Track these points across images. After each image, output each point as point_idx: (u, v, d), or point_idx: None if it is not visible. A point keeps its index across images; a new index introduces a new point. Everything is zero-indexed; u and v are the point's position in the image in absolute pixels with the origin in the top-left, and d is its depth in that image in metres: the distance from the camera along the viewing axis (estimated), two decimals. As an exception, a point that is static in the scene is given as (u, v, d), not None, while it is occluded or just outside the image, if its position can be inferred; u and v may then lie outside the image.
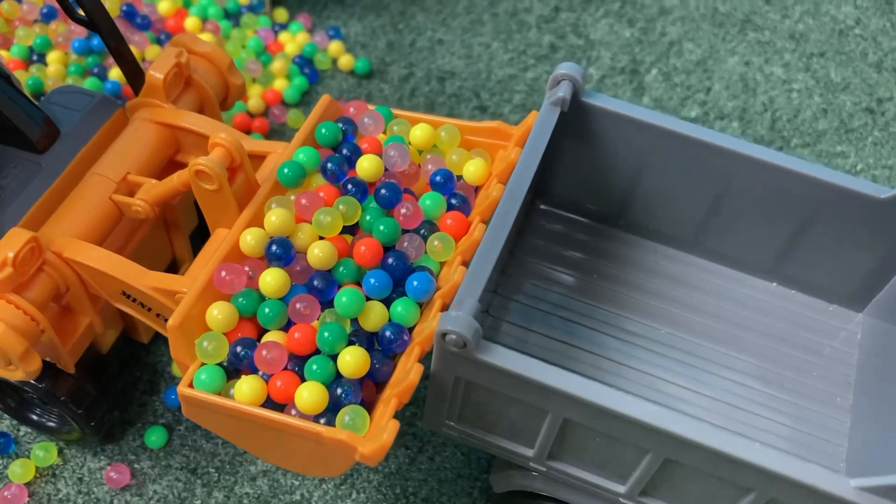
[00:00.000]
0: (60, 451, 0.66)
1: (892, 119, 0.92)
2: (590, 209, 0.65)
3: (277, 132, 0.87)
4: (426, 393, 0.58)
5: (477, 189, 0.58)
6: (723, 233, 0.62)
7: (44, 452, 0.65)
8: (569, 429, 0.49)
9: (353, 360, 0.47)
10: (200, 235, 0.68)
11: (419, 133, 0.57)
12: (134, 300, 0.56)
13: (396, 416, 0.62)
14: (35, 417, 0.66)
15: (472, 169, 0.57)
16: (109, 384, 0.64)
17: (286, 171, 0.53)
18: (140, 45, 0.87)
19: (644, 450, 0.47)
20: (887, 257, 0.58)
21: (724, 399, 0.59)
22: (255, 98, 0.87)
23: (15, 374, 0.55)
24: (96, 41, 0.86)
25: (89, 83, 0.83)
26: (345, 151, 0.56)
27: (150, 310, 0.56)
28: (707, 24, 1.00)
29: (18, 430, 0.67)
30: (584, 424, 0.47)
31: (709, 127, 0.86)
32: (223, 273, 0.50)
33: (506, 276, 0.62)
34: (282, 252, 0.50)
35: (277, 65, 0.89)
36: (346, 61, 0.91)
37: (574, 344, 0.59)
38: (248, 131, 0.85)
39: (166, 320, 0.53)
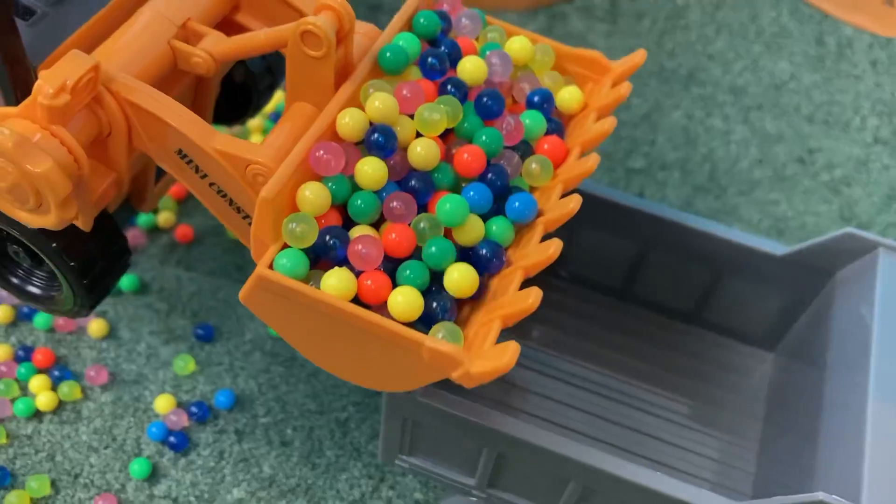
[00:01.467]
0: (53, 483, 0.72)
1: (822, 168, 1.00)
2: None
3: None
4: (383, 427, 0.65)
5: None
6: (648, 282, 0.69)
7: (38, 484, 0.71)
8: (503, 460, 0.56)
9: (461, 279, 0.44)
10: None
11: (517, 46, 0.53)
12: (189, 161, 0.50)
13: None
14: (17, 282, 0.60)
15: (566, 96, 0.54)
16: (109, 249, 0.58)
17: (388, 55, 0.49)
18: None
19: (566, 479, 0.54)
20: (790, 304, 0.66)
21: (652, 433, 0.66)
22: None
23: (42, 220, 0.49)
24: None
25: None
26: (443, 48, 0.51)
27: (204, 176, 0.50)
28: (654, 80, 1.08)
29: (14, 462, 0.73)
30: (514, 457, 0.54)
31: (651, 177, 0.94)
32: (321, 152, 0.45)
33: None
34: (384, 141, 0.46)
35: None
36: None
37: (516, 384, 0.67)
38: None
39: (220, 192, 0.50)
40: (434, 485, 0.74)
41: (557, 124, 0.53)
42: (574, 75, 0.56)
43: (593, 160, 0.49)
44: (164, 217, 0.89)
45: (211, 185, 0.50)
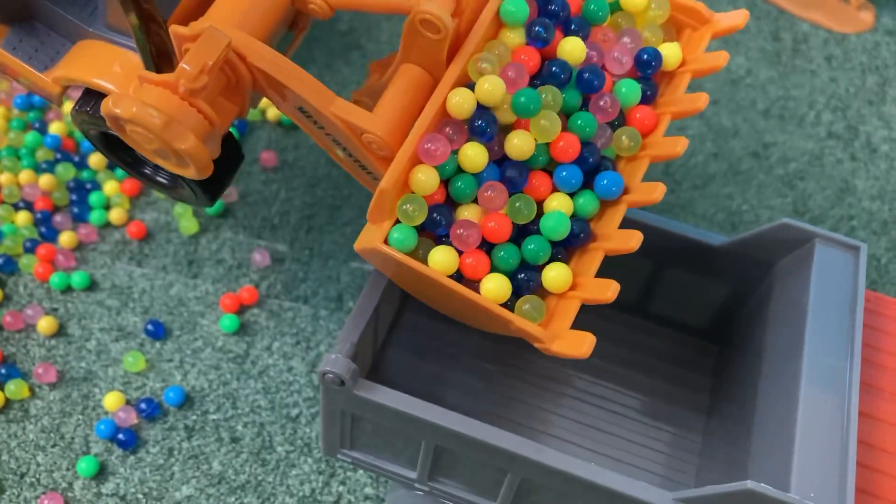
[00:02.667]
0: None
1: (776, 163, 1.01)
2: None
3: (208, 180, 0.94)
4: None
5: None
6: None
7: (-18, 483, 0.70)
8: (441, 452, 0.56)
9: (557, 277, 0.50)
10: None
11: None
12: (309, 116, 0.53)
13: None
14: (148, 172, 0.65)
15: (666, 52, 0.55)
16: (224, 154, 0.60)
17: (511, 8, 0.51)
18: (79, 101, 0.93)
19: (504, 471, 0.54)
20: (732, 296, 0.66)
21: (597, 426, 0.66)
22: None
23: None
24: (37, 98, 0.92)
25: (30, 137, 0.90)
26: (552, 7, 0.53)
27: (321, 128, 0.54)
28: (611, 74, 1.09)
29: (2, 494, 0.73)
30: (452, 450, 0.55)
31: (605, 173, 0.94)
32: (428, 145, 0.49)
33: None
34: (485, 128, 0.50)
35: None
36: (274, 113, 0.98)
37: (460, 378, 0.67)
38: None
39: (337, 143, 0.53)
40: (385, 480, 0.74)
41: (654, 87, 0.55)
42: (672, 21, 0.57)
43: (681, 145, 0.52)
44: (116, 213, 0.88)
45: (327, 135, 0.54)
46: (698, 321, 0.69)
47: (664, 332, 0.71)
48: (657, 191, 0.51)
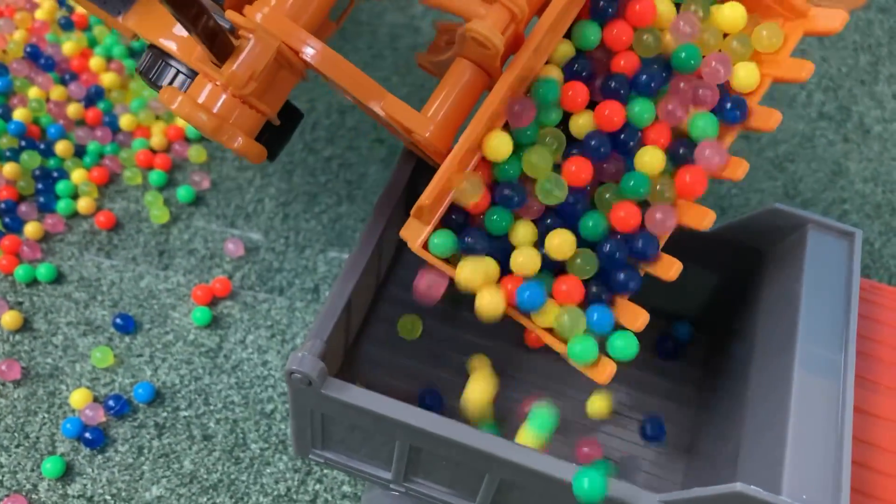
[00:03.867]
0: (-40, 484, 0.69)
1: (766, 145, 0.98)
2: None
3: (180, 167, 0.90)
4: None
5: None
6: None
7: (-58, 486, 0.67)
8: (417, 452, 0.53)
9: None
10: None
11: (729, 14, 0.51)
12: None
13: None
14: None
15: (742, 74, 0.52)
16: (288, 119, 0.61)
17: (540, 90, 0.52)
18: (44, 86, 0.90)
19: (482, 472, 0.52)
20: (722, 285, 0.63)
21: (584, 422, 0.64)
22: (158, 135, 0.90)
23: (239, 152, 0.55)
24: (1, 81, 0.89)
25: (-7, 124, 0.86)
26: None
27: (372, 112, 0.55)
28: (597, 55, 1.06)
29: (-81, 464, 0.70)
30: (428, 450, 0.52)
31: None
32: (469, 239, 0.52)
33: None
34: (512, 196, 0.52)
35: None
36: (248, 97, 0.95)
37: (437, 374, 0.64)
38: (150, 167, 0.89)
39: (387, 122, 0.54)
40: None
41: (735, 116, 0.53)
42: (765, 9, 0.53)
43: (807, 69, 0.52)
44: (84, 203, 0.85)
45: (377, 116, 0.54)
46: (687, 310, 0.66)
47: (651, 322, 0.68)
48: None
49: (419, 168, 0.62)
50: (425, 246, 0.52)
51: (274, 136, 0.59)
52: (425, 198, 0.50)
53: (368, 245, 0.56)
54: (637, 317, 0.52)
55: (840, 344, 0.51)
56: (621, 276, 0.53)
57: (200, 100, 0.51)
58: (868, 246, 0.90)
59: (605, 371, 0.51)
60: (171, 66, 0.55)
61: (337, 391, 0.49)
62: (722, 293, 0.65)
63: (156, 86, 0.56)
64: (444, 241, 0.52)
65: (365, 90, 0.51)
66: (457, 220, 0.53)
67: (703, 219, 0.52)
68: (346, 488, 0.71)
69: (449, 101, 0.51)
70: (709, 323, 0.67)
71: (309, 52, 0.50)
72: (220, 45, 0.49)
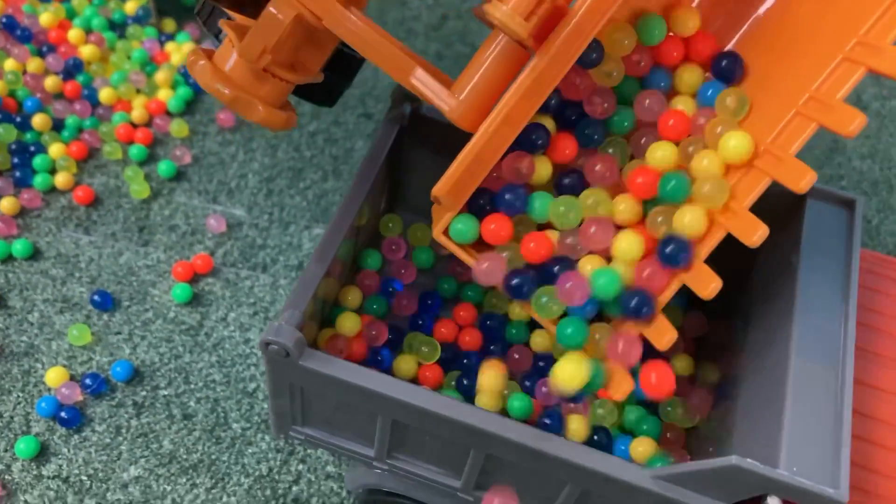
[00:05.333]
0: (-70, 465, 0.67)
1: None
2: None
3: (161, 142, 0.88)
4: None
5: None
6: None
7: (-88, 466, 0.65)
8: (400, 428, 0.51)
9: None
10: None
11: (734, 144, 0.47)
12: None
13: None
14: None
15: (733, 143, 0.47)
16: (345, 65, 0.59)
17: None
18: (20, 58, 0.87)
19: (467, 448, 0.50)
20: (715, 256, 0.61)
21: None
22: (138, 108, 0.87)
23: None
24: (-24, 54, 0.86)
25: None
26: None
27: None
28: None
29: None
30: (411, 425, 0.50)
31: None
32: (484, 265, 0.49)
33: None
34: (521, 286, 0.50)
35: (162, 75, 0.90)
36: (232, 71, 0.93)
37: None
38: (130, 142, 0.86)
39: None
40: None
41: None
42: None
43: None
44: (62, 177, 0.82)
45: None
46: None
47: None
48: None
49: (400, 138, 0.60)
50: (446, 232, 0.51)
51: (325, 87, 0.56)
52: (438, 190, 0.48)
53: (347, 215, 0.54)
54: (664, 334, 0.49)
55: (840, 315, 0.49)
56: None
57: (227, 67, 0.49)
58: (865, 223, 0.88)
59: (623, 387, 0.48)
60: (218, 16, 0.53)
61: (316, 363, 0.47)
62: (714, 264, 0.63)
63: (207, 30, 0.55)
64: (466, 226, 0.50)
65: (393, 64, 0.48)
66: (483, 204, 0.51)
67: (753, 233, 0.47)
68: (330, 468, 0.69)
69: (480, 75, 0.47)
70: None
71: (333, 21, 0.47)
72: (250, 5, 0.47)
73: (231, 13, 0.52)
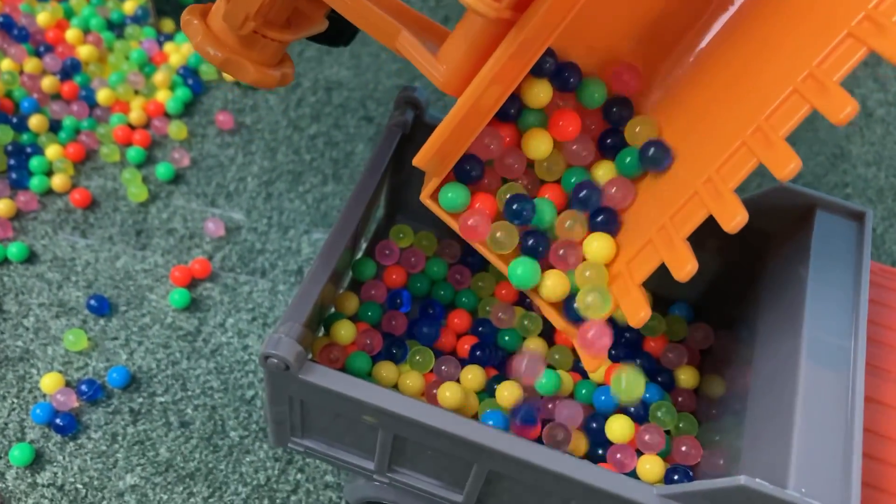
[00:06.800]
0: (-77, 472, 0.66)
1: (767, 126, 0.95)
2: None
3: (159, 144, 0.87)
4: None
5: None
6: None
7: None
8: (401, 442, 0.50)
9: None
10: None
11: (596, 246, 0.52)
12: None
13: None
14: None
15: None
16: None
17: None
18: (17, 58, 0.86)
19: (470, 463, 0.49)
20: (724, 269, 0.61)
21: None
22: (137, 110, 0.86)
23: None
24: (-28, 53, 0.85)
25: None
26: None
27: None
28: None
29: None
30: (413, 439, 0.49)
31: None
32: (470, 221, 0.51)
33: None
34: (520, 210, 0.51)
35: (160, 76, 0.89)
36: (232, 72, 0.92)
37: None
38: (128, 144, 0.85)
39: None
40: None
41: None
42: None
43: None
44: (59, 180, 0.81)
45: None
46: (688, 295, 0.64)
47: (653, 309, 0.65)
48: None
49: (403, 143, 0.59)
50: (434, 197, 0.51)
51: (334, 28, 0.55)
52: (417, 161, 0.47)
53: (349, 224, 0.53)
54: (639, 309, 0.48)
55: (849, 330, 0.48)
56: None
57: (217, 27, 0.49)
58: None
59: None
60: None
61: (316, 376, 0.46)
62: (722, 277, 0.62)
63: None
64: (456, 194, 0.50)
65: (378, 29, 0.47)
66: (472, 172, 0.50)
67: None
68: (328, 478, 0.68)
69: (464, 45, 0.45)
70: (710, 309, 0.64)
71: None
72: None
73: None
